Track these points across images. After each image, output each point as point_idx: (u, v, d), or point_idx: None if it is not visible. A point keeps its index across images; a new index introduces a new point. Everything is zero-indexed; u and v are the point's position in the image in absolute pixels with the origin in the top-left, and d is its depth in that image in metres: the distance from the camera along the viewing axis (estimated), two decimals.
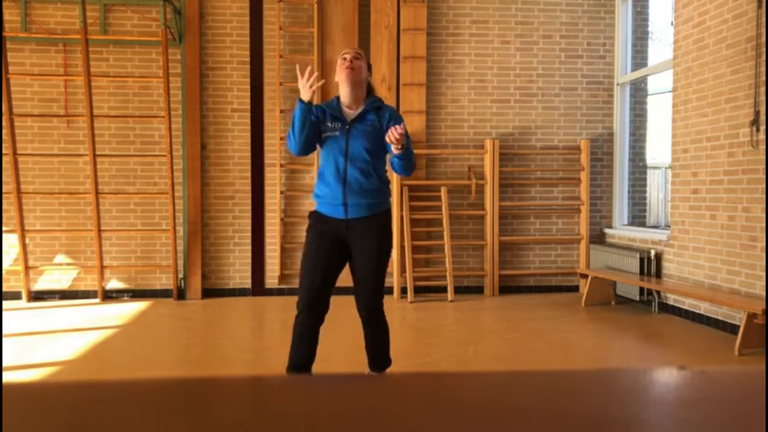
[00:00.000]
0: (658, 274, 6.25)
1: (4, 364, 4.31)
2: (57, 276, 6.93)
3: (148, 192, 6.97)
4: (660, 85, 8.25)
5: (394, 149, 3.28)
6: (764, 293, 4.82)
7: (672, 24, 6.29)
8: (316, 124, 3.43)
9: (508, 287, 7.26)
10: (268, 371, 4.33)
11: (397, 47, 7.04)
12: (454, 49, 7.24)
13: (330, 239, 3.43)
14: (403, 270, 6.96)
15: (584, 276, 6.96)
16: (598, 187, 7.41)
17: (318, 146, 3.54)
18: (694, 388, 0.67)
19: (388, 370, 3.73)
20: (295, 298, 3.59)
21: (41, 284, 6.90)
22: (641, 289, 6.23)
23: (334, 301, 3.59)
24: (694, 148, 5.78)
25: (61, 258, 6.95)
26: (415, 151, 4.42)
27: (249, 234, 7.08)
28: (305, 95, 3.30)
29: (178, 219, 6.98)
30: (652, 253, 6.27)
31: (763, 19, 4.91)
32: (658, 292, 6.18)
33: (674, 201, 6.09)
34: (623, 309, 6.36)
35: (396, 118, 3.48)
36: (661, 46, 9.69)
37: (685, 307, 5.87)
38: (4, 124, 6.47)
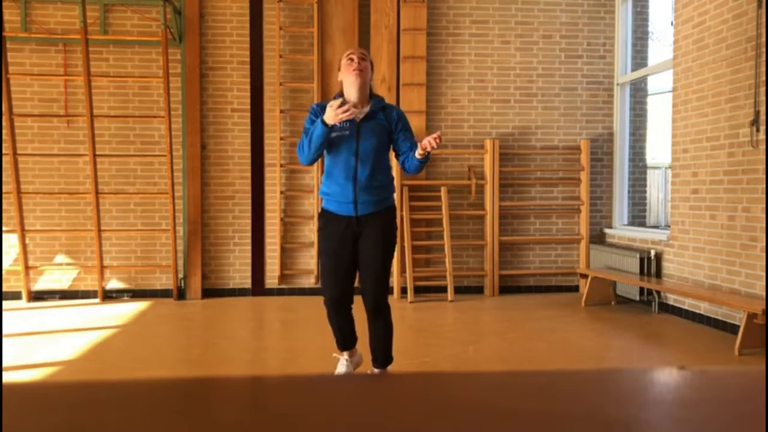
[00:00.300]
0: (658, 274, 6.25)
1: (4, 364, 4.31)
2: (57, 276, 6.93)
3: (148, 192, 6.97)
4: (660, 85, 8.25)
5: (418, 153, 3.40)
6: (764, 293, 4.82)
7: (672, 24, 6.29)
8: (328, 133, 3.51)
9: (508, 287, 7.27)
10: (268, 371, 4.33)
11: (397, 47, 7.04)
12: (454, 49, 7.24)
13: (344, 240, 3.56)
14: (403, 270, 6.96)
15: (584, 276, 6.97)
16: (598, 187, 7.41)
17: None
18: (694, 388, 0.67)
19: (389, 369, 3.77)
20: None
21: (41, 284, 6.91)
22: (641, 289, 6.23)
23: None
24: (694, 148, 5.78)
25: (61, 258, 6.95)
26: None
27: (249, 234, 7.08)
28: (330, 120, 3.37)
29: (178, 219, 6.98)
30: (652, 253, 6.28)
31: (763, 19, 4.91)
32: (658, 292, 6.18)
33: (674, 201, 6.09)
34: (623, 309, 6.36)
35: (403, 118, 3.63)
36: (661, 46, 9.68)
37: (685, 307, 5.87)
38: (4, 124, 6.47)
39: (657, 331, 5.56)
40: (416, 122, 7.03)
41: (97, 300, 6.80)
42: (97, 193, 6.66)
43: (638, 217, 7.74)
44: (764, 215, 4.86)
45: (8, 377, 4.07)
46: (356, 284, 3.68)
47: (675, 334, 5.43)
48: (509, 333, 5.36)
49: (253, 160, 7.04)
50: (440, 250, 7.11)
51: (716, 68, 5.48)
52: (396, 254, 6.87)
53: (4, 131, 6.49)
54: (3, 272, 6.71)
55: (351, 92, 3.56)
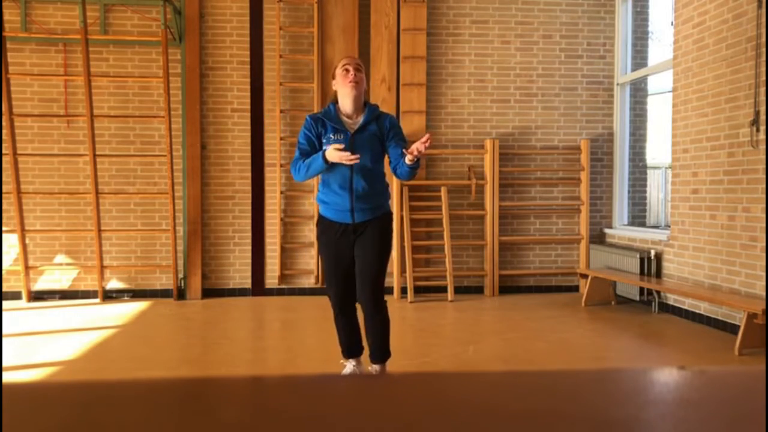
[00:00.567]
0: (658, 274, 6.25)
1: (4, 364, 4.31)
2: (57, 276, 6.93)
3: (148, 192, 6.97)
4: (660, 85, 8.24)
5: (408, 159, 3.41)
6: (764, 293, 4.82)
7: (672, 24, 6.29)
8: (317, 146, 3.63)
9: (508, 287, 7.27)
10: (268, 371, 4.33)
11: (397, 47, 7.04)
12: (454, 49, 7.24)
13: (342, 246, 3.65)
14: (403, 270, 6.96)
15: (584, 276, 6.96)
16: (598, 187, 7.41)
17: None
18: (694, 388, 0.67)
19: (388, 367, 3.83)
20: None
21: (41, 284, 6.91)
22: (641, 289, 6.23)
23: None
24: (694, 148, 5.78)
25: (61, 258, 6.95)
26: None
27: (249, 234, 7.08)
28: (332, 158, 3.43)
29: (178, 219, 6.98)
30: (652, 253, 6.27)
31: (763, 19, 4.91)
32: (658, 292, 6.18)
33: (674, 201, 6.09)
34: (623, 309, 6.36)
35: (396, 127, 3.69)
36: (661, 46, 9.68)
37: (685, 307, 5.87)
38: (4, 124, 6.47)
39: (657, 331, 5.56)
40: (416, 122, 7.03)
41: (97, 300, 6.80)
42: (97, 193, 6.66)
43: (638, 217, 7.74)
44: (764, 215, 4.86)
45: (8, 377, 4.07)
46: None
47: (675, 334, 5.43)
48: (509, 333, 5.36)
49: (253, 160, 7.04)
50: (440, 250, 7.11)
51: (716, 68, 5.48)
52: (396, 254, 6.91)
53: (4, 131, 6.49)
54: (3, 272, 6.71)
55: (346, 103, 3.64)
